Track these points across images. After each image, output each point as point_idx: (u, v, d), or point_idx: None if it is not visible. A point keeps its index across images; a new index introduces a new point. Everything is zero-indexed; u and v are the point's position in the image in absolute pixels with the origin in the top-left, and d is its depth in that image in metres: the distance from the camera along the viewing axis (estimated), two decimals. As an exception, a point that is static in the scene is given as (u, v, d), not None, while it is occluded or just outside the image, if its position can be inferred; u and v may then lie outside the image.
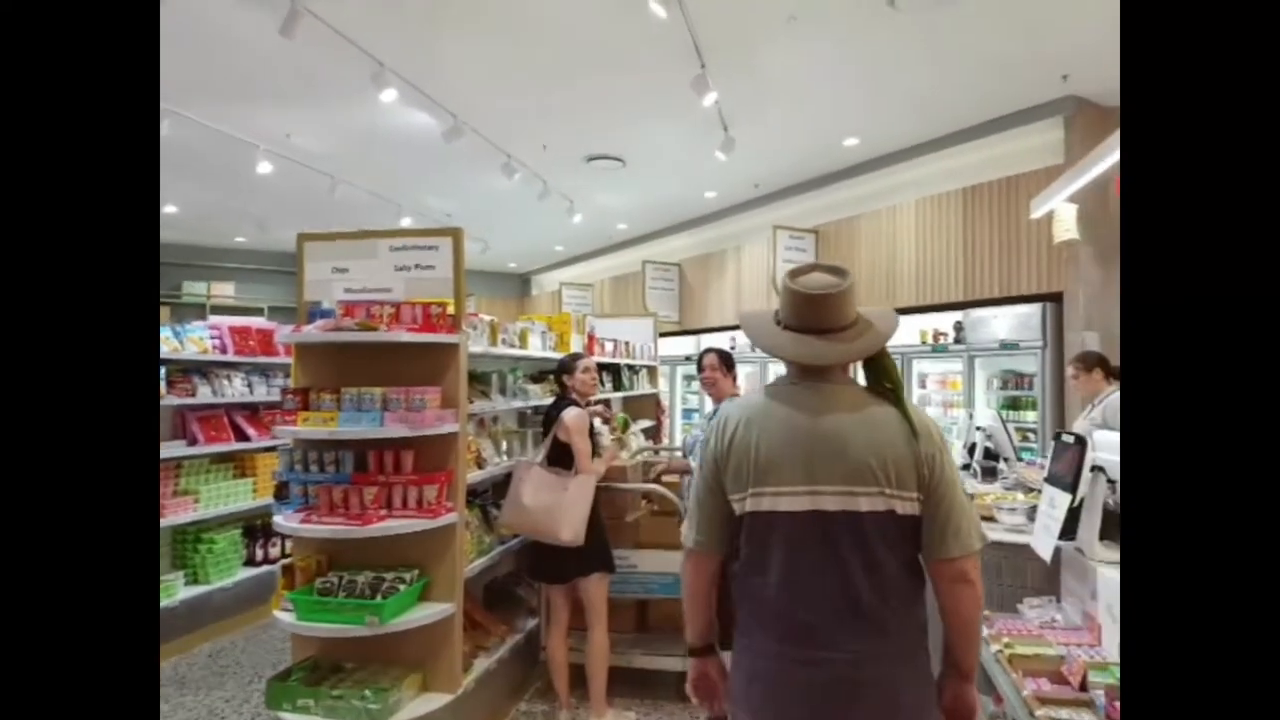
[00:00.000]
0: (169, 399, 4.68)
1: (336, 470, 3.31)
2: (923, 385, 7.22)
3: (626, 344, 6.63)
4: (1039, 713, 1.89)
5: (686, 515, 1.78)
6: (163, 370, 4.68)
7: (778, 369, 7.67)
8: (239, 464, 5.33)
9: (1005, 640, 2.27)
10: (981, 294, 6.53)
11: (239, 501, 5.12)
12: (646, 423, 7.13)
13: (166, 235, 10.93)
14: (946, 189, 6.90)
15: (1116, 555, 2.29)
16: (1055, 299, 5.91)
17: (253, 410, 5.44)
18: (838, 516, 1.56)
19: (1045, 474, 3.55)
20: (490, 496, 4.04)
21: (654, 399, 7.50)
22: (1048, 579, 2.66)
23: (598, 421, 3.85)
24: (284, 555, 4.46)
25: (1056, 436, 2.54)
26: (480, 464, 3.71)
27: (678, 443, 9.64)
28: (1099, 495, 2.32)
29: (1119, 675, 1.88)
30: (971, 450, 4.41)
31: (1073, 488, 2.24)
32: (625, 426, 6.16)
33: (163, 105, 5.56)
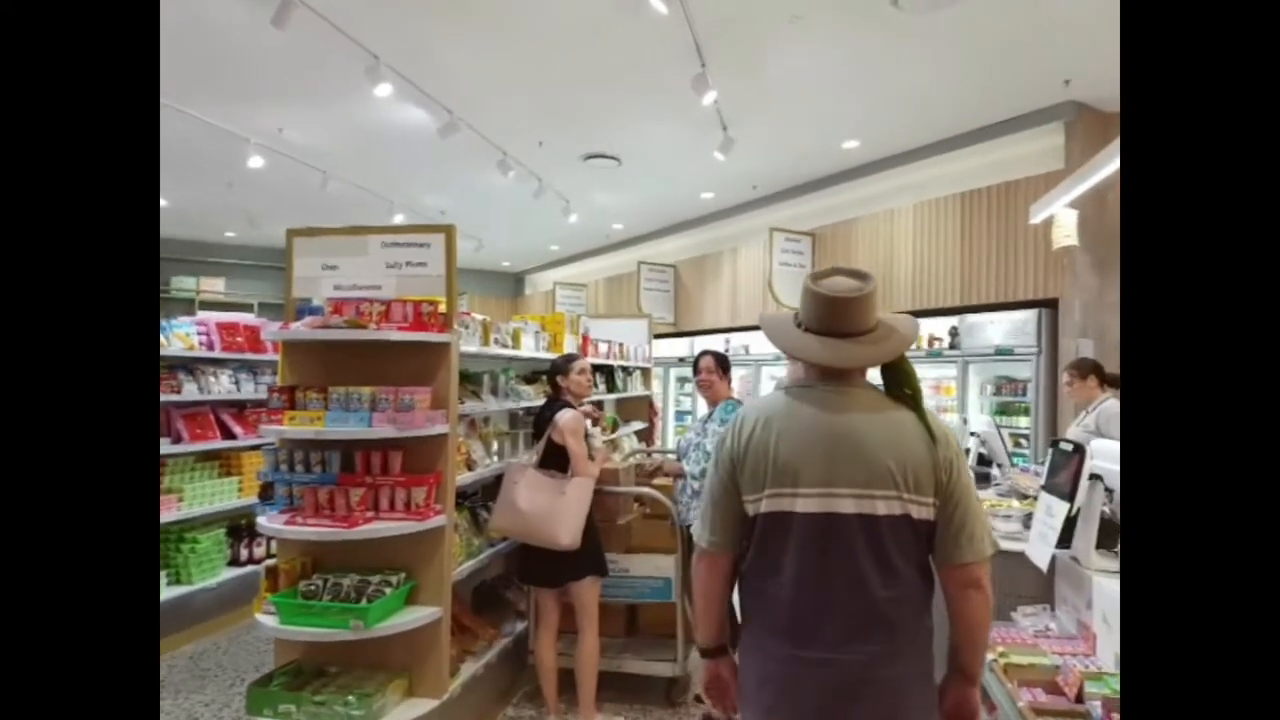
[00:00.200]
0: (155, 395, 4.61)
1: (323, 471, 3.26)
2: (917, 390, 7.20)
3: (620, 345, 6.59)
4: (1035, 725, 1.85)
5: (699, 514, 1.78)
6: (149, 366, 4.59)
7: (773, 371, 7.68)
8: (224, 462, 5.26)
9: (1000, 649, 2.24)
10: (978, 299, 6.51)
11: (224, 500, 5.06)
12: (639, 424, 7.09)
13: (157, 230, 10.82)
14: (945, 193, 6.88)
15: (1113, 565, 2.26)
16: (1051, 305, 5.89)
17: (239, 408, 5.38)
18: (854, 519, 1.57)
19: (1041, 481, 3.55)
20: (480, 498, 4.00)
21: (647, 401, 7.46)
22: (1042, 587, 2.63)
23: (587, 423, 3.81)
24: (269, 555, 4.40)
25: (1054, 444, 2.51)
26: (470, 466, 3.66)
27: (670, 445, 9.60)
28: (1096, 504, 2.29)
29: (1116, 686, 1.86)
30: (965, 456, 4.37)
31: (1070, 496, 2.21)
32: (614, 426, 6.13)
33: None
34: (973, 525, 1.59)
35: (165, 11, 4.38)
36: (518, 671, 4.04)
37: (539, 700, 3.71)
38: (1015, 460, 4.39)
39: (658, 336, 8.16)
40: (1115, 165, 3.46)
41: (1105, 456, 2.27)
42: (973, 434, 4.49)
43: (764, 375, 8.93)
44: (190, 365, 5.03)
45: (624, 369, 6.82)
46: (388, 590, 3.04)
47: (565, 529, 3.29)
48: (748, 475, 1.65)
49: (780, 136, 6.74)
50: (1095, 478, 2.25)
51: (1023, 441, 5.94)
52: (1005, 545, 2.82)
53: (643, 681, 3.96)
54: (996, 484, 3.97)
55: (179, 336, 4.92)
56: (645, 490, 4.00)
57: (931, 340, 6.81)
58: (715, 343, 8.82)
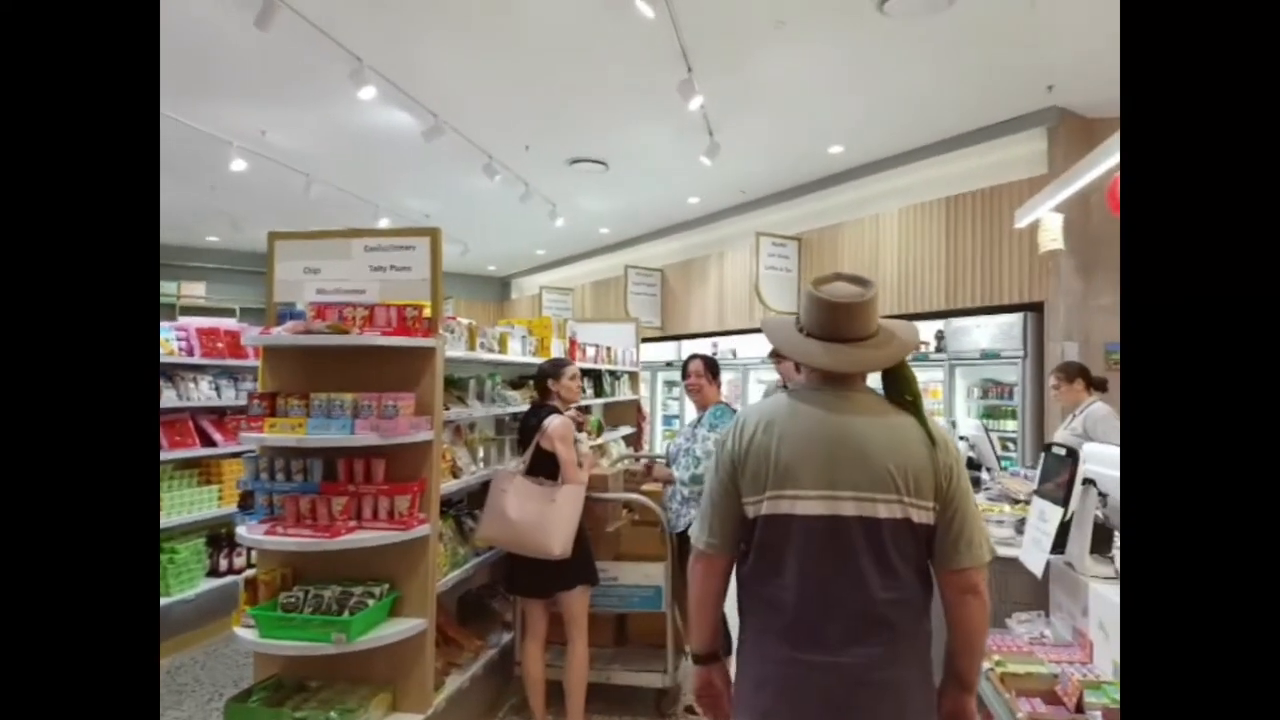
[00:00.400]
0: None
1: (304, 479, 3.17)
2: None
3: (609, 349, 6.55)
4: (1034, 736, 1.82)
5: (698, 516, 1.78)
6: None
7: (760, 375, 7.65)
8: (204, 470, 5.14)
9: (996, 658, 2.20)
10: (963, 303, 6.54)
11: (203, 509, 4.93)
12: (627, 429, 7.05)
13: (137, 234, 10.68)
14: (930, 198, 6.91)
15: (1108, 570, 2.24)
16: (1036, 309, 5.92)
17: (219, 415, 5.27)
18: (856, 522, 1.57)
19: (1033, 486, 3.53)
20: (465, 507, 3.93)
21: (635, 405, 7.42)
22: (1036, 593, 2.61)
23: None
24: (249, 565, 4.30)
25: (1046, 448, 2.49)
26: (455, 473, 3.59)
27: (659, 449, 9.56)
28: (1090, 509, 2.26)
29: (1116, 696, 1.83)
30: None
31: (1065, 501, 2.19)
32: (599, 430, 6.08)
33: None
34: (971, 531, 1.60)
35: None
36: (504, 683, 3.97)
37: (526, 713, 3.64)
38: (1004, 464, 4.38)
39: (645, 341, 8.12)
40: (1101, 169, 3.47)
41: (1099, 461, 2.25)
42: (962, 438, 4.48)
43: (751, 379, 8.91)
44: (169, 371, 4.90)
45: (612, 373, 6.78)
46: (370, 602, 2.96)
47: (557, 538, 3.22)
48: (748, 477, 1.65)
49: (766, 141, 6.74)
50: (1089, 482, 2.23)
51: (1010, 445, 5.95)
52: (999, 551, 2.80)
53: (632, 693, 3.90)
54: (986, 488, 3.95)
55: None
56: (634, 496, 3.95)
57: (919, 344, 6.82)
58: (702, 347, 8.79)
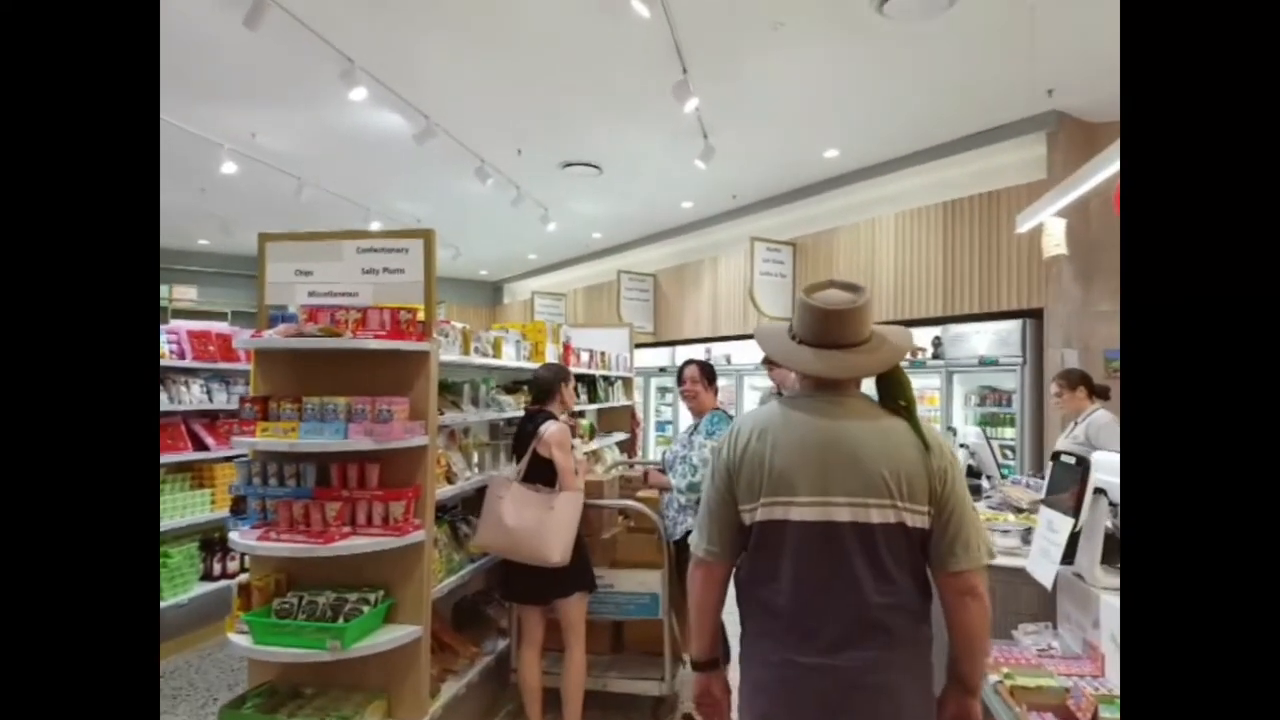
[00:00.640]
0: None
1: (297, 484, 3.13)
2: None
3: (602, 354, 6.50)
4: (1047, 751, 1.79)
5: (696, 524, 1.79)
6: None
7: (754, 381, 7.61)
8: (196, 474, 5.11)
9: (1005, 670, 2.17)
10: (961, 309, 6.52)
11: (196, 513, 4.91)
12: (621, 435, 6.99)
13: (126, 236, 10.60)
14: (927, 203, 6.89)
15: (1119, 581, 2.21)
16: (1035, 315, 5.90)
17: (211, 418, 5.24)
18: (849, 527, 1.58)
19: (1038, 495, 3.50)
20: (460, 512, 3.89)
21: (629, 411, 7.37)
22: (1042, 604, 2.57)
23: None
24: (243, 569, 4.26)
25: (1055, 457, 2.46)
26: (450, 478, 3.55)
27: (652, 456, 9.51)
28: (1100, 519, 2.23)
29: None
30: (954, 468, 4.32)
31: (1075, 511, 2.15)
32: (591, 433, 6.04)
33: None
34: (968, 533, 1.60)
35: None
36: (500, 690, 3.93)
37: (523, 719, 3.60)
38: (1004, 472, 4.35)
39: (638, 346, 8.08)
40: (1106, 173, 3.44)
41: (1110, 470, 2.21)
42: (962, 445, 4.45)
43: (746, 385, 8.88)
44: (161, 375, 4.87)
45: (606, 378, 6.73)
46: (365, 609, 2.92)
47: (556, 545, 3.19)
48: (743, 485, 1.66)
49: (761, 145, 6.72)
50: (1099, 492, 2.19)
51: (1008, 453, 5.92)
52: (1004, 561, 2.77)
53: (629, 700, 3.86)
54: (987, 496, 3.92)
55: (148, 345, 4.74)
56: (631, 504, 3.91)
57: (915, 350, 6.79)
58: (696, 353, 8.76)
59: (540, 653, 3.49)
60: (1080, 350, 5.53)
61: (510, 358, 4.34)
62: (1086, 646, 2.26)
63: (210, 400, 5.16)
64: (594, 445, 5.92)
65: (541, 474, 3.38)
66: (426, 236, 3.22)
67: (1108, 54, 4.61)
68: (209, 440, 5.09)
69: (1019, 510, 3.39)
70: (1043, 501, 2.49)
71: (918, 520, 1.59)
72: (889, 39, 4.66)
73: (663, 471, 4.08)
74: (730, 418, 3.85)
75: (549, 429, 3.39)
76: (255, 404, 3.07)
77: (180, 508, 4.81)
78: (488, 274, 14.83)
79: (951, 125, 6.12)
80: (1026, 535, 2.83)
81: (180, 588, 4.76)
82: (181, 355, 4.99)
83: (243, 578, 3.19)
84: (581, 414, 5.87)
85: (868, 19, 4.39)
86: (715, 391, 3.97)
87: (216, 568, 5.05)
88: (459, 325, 3.79)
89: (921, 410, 5.89)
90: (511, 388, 4.69)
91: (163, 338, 4.93)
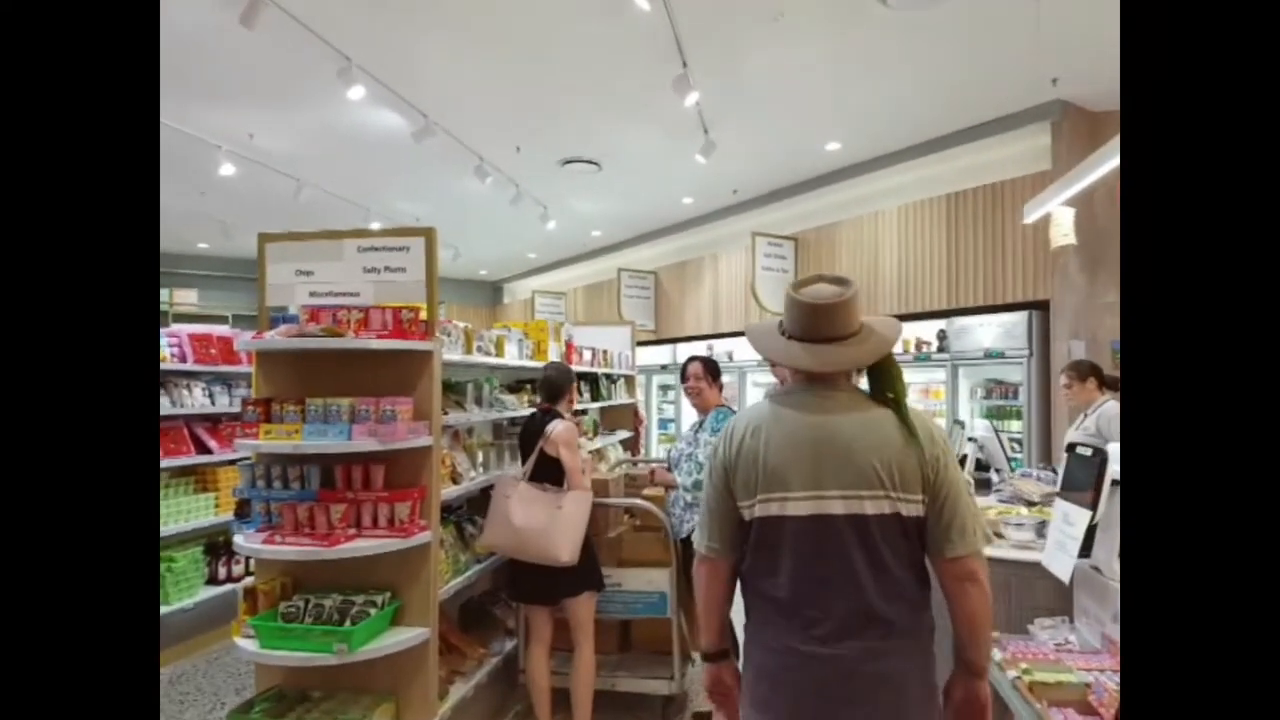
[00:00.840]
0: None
1: (301, 487, 3.11)
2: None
3: (605, 352, 6.47)
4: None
5: (698, 522, 1.82)
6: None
7: (756, 378, 7.58)
8: (200, 478, 5.08)
9: (1023, 666, 2.13)
10: (966, 302, 6.47)
11: (200, 517, 4.88)
12: (625, 433, 6.96)
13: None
14: (930, 195, 6.84)
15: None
16: (1041, 307, 5.85)
17: (214, 422, 5.21)
18: (845, 520, 1.60)
19: (1047, 487, 3.46)
20: (466, 513, 3.86)
21: (632, 409, 7.34)
22: (1058, 598, 2.54)
23: None
24: (248, 573, 4.24)
25: (1070, 449, 2.42)
26: (455, 479, 3.52)
27: (654, 453, 9.48)
28: (1118, 511, 2.19)
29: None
30: (962, 462, 4.28)
31: (1093, 504, 2.12)
32: (594, 431, 6.01)
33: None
34: (963, 519, 1.62)
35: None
36: (509, 691, 3.89)
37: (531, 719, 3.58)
38: (1013, 465, 4.31)
39: (639, 344, 8.04)
40: (1111, 164, 3.40)
41: (1125, 461, 2.18)
42: (971, 439, 4.40)
43: (748, 382, 8.85)
44: (162, 378, 4.85)
45: (608, 377, 6.69)
46: (372, 611, 2.89)
47: (565, 545, 3.17)
48: (740, 483, 1.69)
49: (762, 139, 6.67)
50: (1117, 484, 2.16)
51: (1015, 446, 5.87)
52: (1019, 555, 2.74)
53: (638, 699, 3.83)
54: (997, 490, 3.88)
55: (149, 349, 4.71)
56: (637, 502, 3.88)
57: (920, 344, 6.75)
58: (697, 350, 8.71)
59: (549, 652, 3.46)
60: (1087, 341, 5.48)
61: (513, 357, 4.30)
62: (1105, 641, 2.23)
63: (212, 404, 5.13)
64: (597, 444, 5.89)
65: (549, 473, 3.36)
66: (428, 235, 3.19)
67: (1113, 41, 4.51)
68: (212, 444, 5.06)
69: (1030, 503, 3.36)
70: (1058, 494, 2.46)
71: (912, 509, 1.61)
72: (891, 29, 4.62)
73: (668, 469, 4.05)
74: (734, 414, 3.81)
75: (556, 428, 3.37)
76: (258, 406, 3.04)
77: (184, 512, 4.78)
78: (487, 274, 14.79)
79: (955, 116, 6.07)
80: (1041, 529, 2.79)
81: (185, 592, 4.74)
82: (183, 358, 4.95)
83: (248, 581, 3.16)
84: (584, 412, 5.83)
85: (869, 9, 4.35)
86: (720, 388, 3.93)
87: (221, 571, 5.03)
88: (461, 324, 3.76)
89: (927, 404, 5.89)
90: (515, 387, 4.66)
91: (163, 341, 4.88)
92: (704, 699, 3.75)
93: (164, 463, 4.66)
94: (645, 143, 6.75)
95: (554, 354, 4.94)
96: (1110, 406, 4.18)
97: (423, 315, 3.18)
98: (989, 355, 6.12)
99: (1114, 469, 2.15)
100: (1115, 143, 3.31)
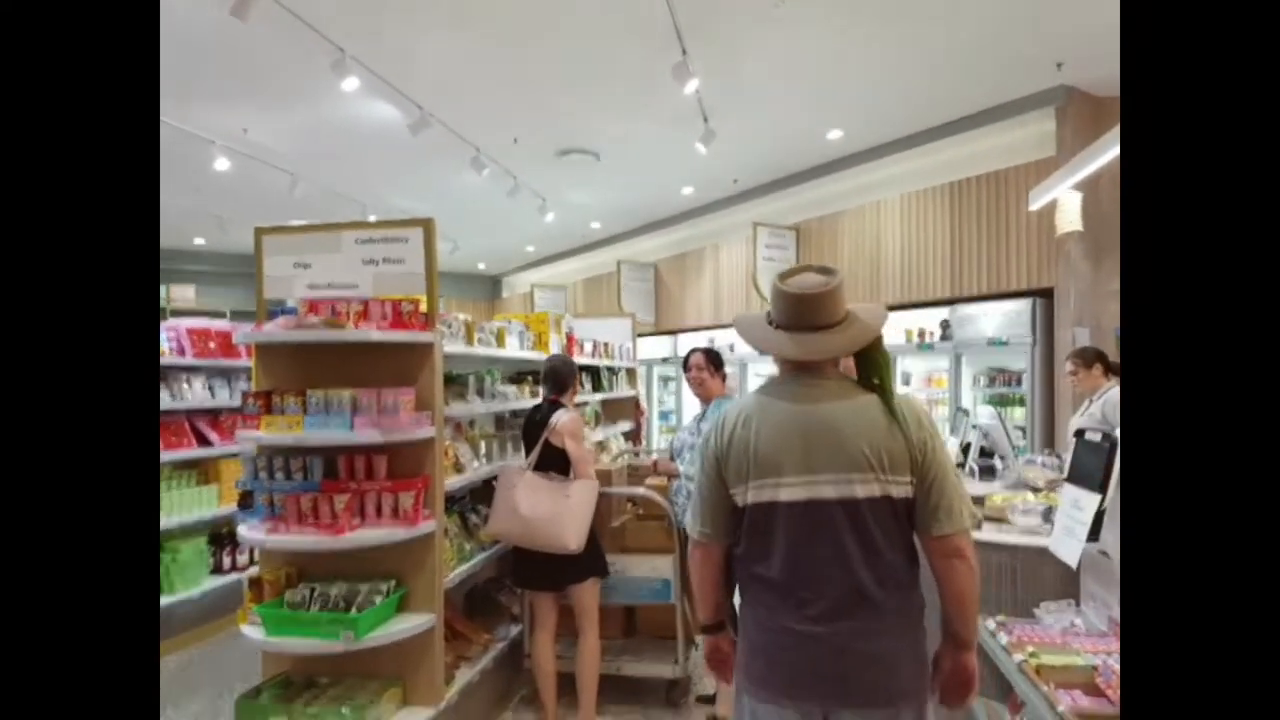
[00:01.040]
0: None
1: (305, 478, 3.10)
2: (907, 383, 7.14)
3: (605, 344, 6.45)
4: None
5: (690, 508, 1.89)
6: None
7: (758, 369, 7.57)
8: (202, 470, 5.11)
9: (1030, 649, 2.13)
10: (969, 290, 6.46)
11: (203, 509, 4.91)
12: (626, 425, 6.95)
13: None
14: (933, 183, 6.82)
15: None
16: (1045, 295, 5.83)
17: (214, 415, 5.22)
18: (836, 504, 1.64)
19: (1051, 473, 3.46)
20: (469, 502, 3.86)
21: (633, 401, 7.33)
22: (1064, 582, 2.53)
23: None
24: (253, 563, 4.26)
25: (1078, 435, 2.42)
26: (459, 469, 3.52)
27: (655, 445, 9.47)
28: (1125, 494, 2.18)
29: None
30: (966, 449, 4.28)
31: (1102, 488, 2.11)
32: (595, 421, 6.00)
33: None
34: (950, 498, 1.66)
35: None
36: (514, 676, 3.91)
37: (536, 705, 3.59)
38: (1017, 452, 4.30)
39: (639, 336, 8.02)
40: (1117, 150, 3.38)
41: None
42: (975, 426, 4.39)
43: (749, 373, 8.82)
44: (162, 373, 4.85)
45: (610, 369, 6.68)
46: (378, 599, 2.91)
47: (572, 532, 3.20)
48: (732, 470, 1.73)
49: (763, 127, 6.64)
50: (1124, 466, 2.14)
51: (1019, 433, 5.85)
52: (1026, 540, 2.74)
53: (642, 684, 3.85)
54: (1002, 477, 3.87)
55: (149, 343, 4.72)
56: (642, 491, 3.88)
57: (923, 332, 6.74)
58: (698, 342, 8.68)
59: (554, 638, 3.48)
60: (1092, 329, 5.46)
61: (514, 349, 4.30)
62: (1112, 624, 2.22)
63: (213, 397, 5.14)
64: (599, 435, 5.89)
65: (554, 463, 3.37)
66: (426, 225, 3.17)
67: (1118, 25, 4.51)
68: (213, 436, 5.08)
69: (1036, 490, 3.35)
70: (1066, 479, 2.45)
71: (901, 490, 1.65)
72: (893, 14, 4.58)
73: (671, 459, 4.04)
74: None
75: (561, 418, 3.38)
76: (258, 399, 3.03)
77: (187, 504, 4.82)
78: (486, 268, 14.75)
79: (958, 102, 6.02)
80: (1048, 514, 2.78)
81: (191, 582, 4.79)
82: (181, 352, 4.96)
83: (253, 571, 3.18)
84: (584, 404, 5.82)
85: (870, -6, 4.32)
86: (723, 378, 3.89)
87: (226, 561, 5.07)
88: (462, 316, 3.75)
89: (930, 392, 5.88)
90: (516, 379, 4.65)
91: (162, 335, 4.89)
92: (709, 683, 3.78)
93: (166, 456, 4.68)
94: (644, 132, 6.72)
95: (555, 346, 4.93)
96: (1115, 393, 4.16)
97: (423, 307, 3.16)
98: (992, 343, 6.09)
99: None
100: (1119, 129, 3.29)
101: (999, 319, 6.05)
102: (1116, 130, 3.40)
